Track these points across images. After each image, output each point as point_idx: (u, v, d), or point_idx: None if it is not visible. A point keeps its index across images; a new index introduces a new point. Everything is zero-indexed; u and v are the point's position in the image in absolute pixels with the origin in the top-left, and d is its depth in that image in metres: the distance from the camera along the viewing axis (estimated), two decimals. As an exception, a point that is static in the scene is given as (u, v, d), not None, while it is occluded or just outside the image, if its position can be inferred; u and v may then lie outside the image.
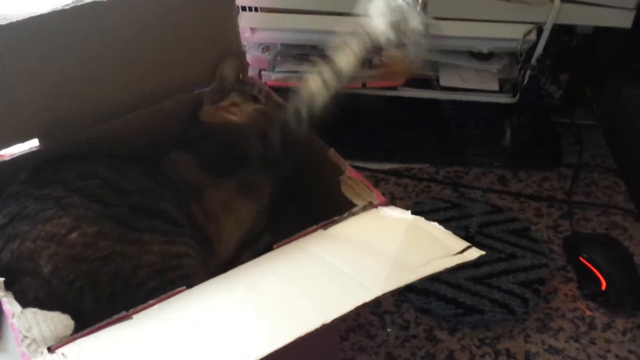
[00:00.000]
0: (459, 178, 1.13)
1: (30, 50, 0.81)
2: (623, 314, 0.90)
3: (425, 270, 0.62)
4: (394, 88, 1.18)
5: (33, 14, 0.79)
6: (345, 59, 0.76)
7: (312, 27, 1.10)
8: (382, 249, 0.68)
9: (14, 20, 0.77)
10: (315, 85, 0.78)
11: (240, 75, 0.97)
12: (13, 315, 0.63)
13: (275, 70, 1.17)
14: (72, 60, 0.84)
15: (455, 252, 0.65)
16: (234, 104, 0.91)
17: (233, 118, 0.91)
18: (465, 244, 0.66)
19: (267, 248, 0.71)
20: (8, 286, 0.68)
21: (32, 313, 0.63)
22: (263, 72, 1.17)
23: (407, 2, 0.70)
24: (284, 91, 1.00)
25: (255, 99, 0.92)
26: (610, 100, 1.28)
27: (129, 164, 0.84)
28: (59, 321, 0.63)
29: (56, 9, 0.81)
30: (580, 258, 0.94)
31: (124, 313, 0.62)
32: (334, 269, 0.65)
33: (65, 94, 0.85)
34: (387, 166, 1.13)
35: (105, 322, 0.61)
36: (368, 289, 0.60)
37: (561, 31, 1.14)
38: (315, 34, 1.13)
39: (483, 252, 0.65)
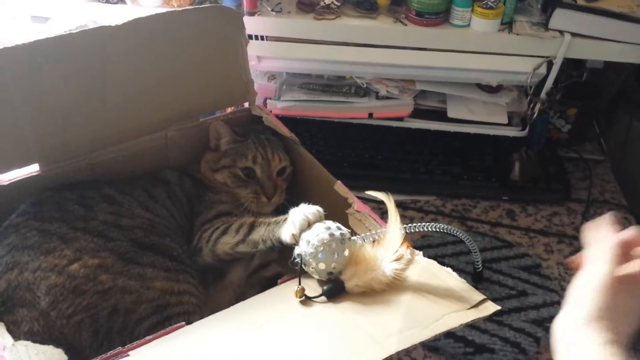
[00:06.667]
0: (466, 211, 1.10)
1: (34, 74, 0.79)
2: (638, 355, 0.87)
3: (440, 325, 0.61)
4: (401, 119, 1.17)
5: (39, 38, 0.77)
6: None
7: (318, 57, 1.10)
8: (394, 296, 0.66)
9: (18, 43, 0.76)
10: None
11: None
12: (4, 348, 0.60)
13: (281, 98, 1.16)
14: (76, 85, 0.83)
15: (471, 306, 0.63)
16: (225, 184, 0.91)
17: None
18: (481, 296, 0.64)
19: (274, 277, 0.69)
20: (1, 317, 0.66)
21: (25, 346, 0.61)
22: (268, 101, 1.16)
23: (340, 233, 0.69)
24: (288, 120, 0.99)
25: (248, 177, 0.91)
26: (619, 135, 1.27)
27: (128, 194, 0.83)
28: (52, 355, 0.61)
29: (62, 34, 0.80)
30: (593, 296, 0.91)
31: (120, 349, 0.60)
32: (342, 315, 0.64)
33: (68, 120, 0.84)
34: (392, 198, 1.11)
35: (99, 358, 0.59)
36: (379, 343, 0.58)
37: (571, 66, 1.14)
38: (321, 64, 1.13)
39: (500, 308, 0.63)
